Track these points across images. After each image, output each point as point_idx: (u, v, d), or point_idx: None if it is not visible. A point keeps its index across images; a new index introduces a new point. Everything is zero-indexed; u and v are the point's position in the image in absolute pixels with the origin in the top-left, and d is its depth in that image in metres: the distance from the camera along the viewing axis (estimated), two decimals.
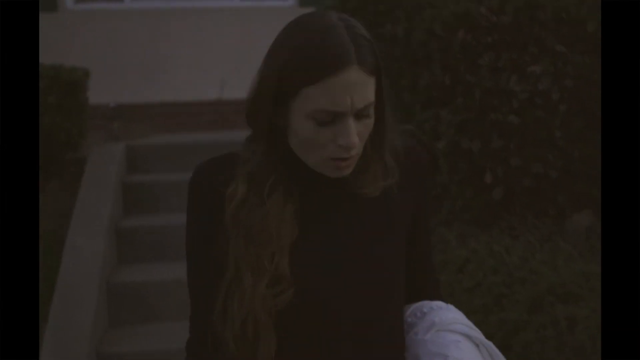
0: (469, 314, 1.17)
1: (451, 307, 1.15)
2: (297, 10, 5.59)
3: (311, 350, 1.05)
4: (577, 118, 2.82)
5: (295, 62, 0.98)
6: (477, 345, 1.10)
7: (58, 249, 3.63)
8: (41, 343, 2.92)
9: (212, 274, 1.06)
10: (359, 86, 0.97)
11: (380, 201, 1.09)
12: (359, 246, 1.06)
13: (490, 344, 1.11)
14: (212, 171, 1.08)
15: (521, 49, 2.81)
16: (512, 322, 2.29)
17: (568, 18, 2.77)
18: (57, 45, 5.22)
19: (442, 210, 3.03)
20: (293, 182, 1.06)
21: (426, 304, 1.15)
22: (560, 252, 2.60)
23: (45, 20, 5.26)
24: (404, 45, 3.14)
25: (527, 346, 2.23)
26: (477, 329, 1.12)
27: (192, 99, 5.50)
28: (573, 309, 2.24)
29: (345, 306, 1.05)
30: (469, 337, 1.09)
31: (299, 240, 1.04)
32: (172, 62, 5.50)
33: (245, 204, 1.04)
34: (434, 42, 2.94)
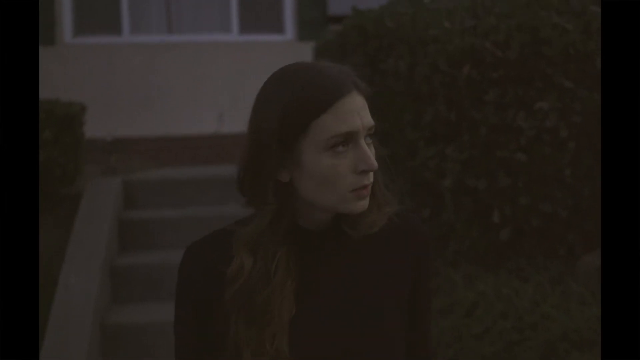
0: None
1: None
2: (295, 45, 5.57)
3: None
4: (586, 155, 2.74)
5: (299, 99, 0.97)
6: None
7: (51, 287, 3.52)
8: None
9: (203, 357, 1.03)
10: (362, 108, 1.00)
11: (381, 273, 1.06)
12: (358, 320, 1.02)
13: None
14: (204, 251, 1.04)
15: (527, 84, 2.75)
16: None
17: (575, 53, 2.72)
18: (54, 78, 5.18)
19: (447, 250, 2.94)
20: (292, 254, 1.02)
21: None
22: (572, 295, 2.50)
23: (43, 54, 5.23)
24: (407, 81, 3.08)
25: None
26: None
27: (190, 133, 5.46)
28: (589, 357, 2.14)
29: None
30: None
31: (296, 317, 1.00)
32: (170, 96, 5.46)
33: (248, 283, 1.00)
34: (438, 78, 2.88)
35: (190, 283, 1.04)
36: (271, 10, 5.76)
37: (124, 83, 5.41)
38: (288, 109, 0.97)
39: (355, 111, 0.98)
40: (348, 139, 0.98)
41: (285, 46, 5.56)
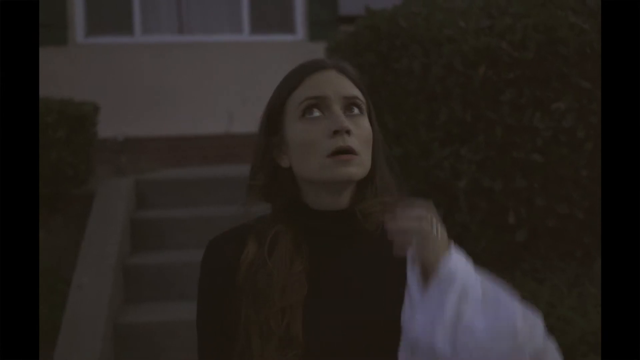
0: None
1: None
2: (305, 45, 5.56)
3: None
4: None
5: (280, 86, 1.06)
6: None
7: (62, 286, 3.52)
8: None
9: (224, 348, 1.03)
10: (339, 80, 1.04)
11: (393, 260, 1.03)
12: (373, 304, 1.02)
13: None
14: (223, 243, 1.07)
15: (544, 85, 2.73)
16: None
17: (592, 53, 2.70)
18: (66, 78, 5.19)
19: (461, 251, 2.91)
20: (301, 238, 1.04)
21: None
22: (589, 298, 2.48)
23: (55, 54, 5.24)
24: (421, 81, 3.06)
25: None
26: None
27: (200, 133, 5.45)
28: None
29: None
30: None
31: (309, 299, 1.01)
32: (180, 96, 5.47)
33: (252, 265, 1.02)
34: (453, 78, 2.86)
35: (210, 276, 1.06)
36: (282, 11, 5.75)
37: (134, 83, 5.42)
38: (272, 100, 1.07)
39: (327, 81, 1.03)
40: (320, 104, 1.02)
41: (296, 46, 5.55)
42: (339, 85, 1.03)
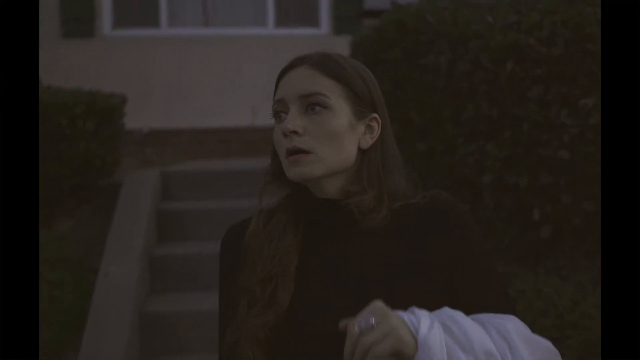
0: None
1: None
2: (330, 38, 5.57)
3: None
4: None
5: None
6: None
7: (91, 276, 3.59)
8: None
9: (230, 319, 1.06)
10: (305, 78, 1.04)
11: (392, 241, 1.05)
12: (362, 285, 1.02)
13: None
14: (238, 229, 1.12)
15: (571, 81, 2.71)
16: None
17: None
18: (92, 70, 5.26)
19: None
20: (301, 218, 1.08)
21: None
22: None
23: (82, 46, 5.31)
24: (447, 77, 3.06)
25: None
26: None
27: (224, 126, 5.49)
28: None
29: (341, 341, 0.99)
30: None
31: (299, 273, 1.04)
32: (204, 89, 5.51)
33: (251, 237, 1.08)
34: (480, 74, 2.86)
35: (224, 257, 1.12)
36: (306, 4, 5.77)
37: (160, 75, 5.48)
38: None
39: (289, 82, 1.05)
40: (283, 107, 1.05)
41: (320, 40, 5.56)
42: (299, 83, 1.03)
